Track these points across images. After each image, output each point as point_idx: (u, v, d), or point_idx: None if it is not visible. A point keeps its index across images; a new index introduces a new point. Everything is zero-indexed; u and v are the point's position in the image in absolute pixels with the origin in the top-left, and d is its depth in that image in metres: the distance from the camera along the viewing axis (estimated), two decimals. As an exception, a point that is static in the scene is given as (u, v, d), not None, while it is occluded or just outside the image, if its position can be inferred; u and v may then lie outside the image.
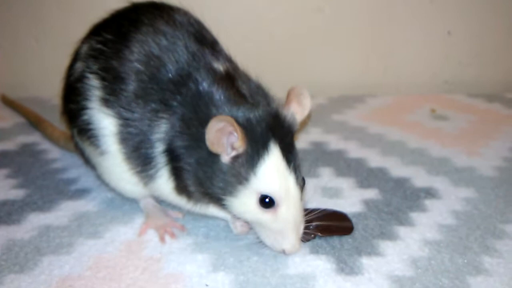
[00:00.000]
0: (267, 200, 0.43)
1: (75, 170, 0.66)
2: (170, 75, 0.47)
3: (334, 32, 1.00)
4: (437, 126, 0.84)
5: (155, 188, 0.50)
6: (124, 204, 0.58)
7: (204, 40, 0.51)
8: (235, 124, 0.41)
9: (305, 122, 0.46)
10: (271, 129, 0.44)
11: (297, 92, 0.48)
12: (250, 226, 0.50)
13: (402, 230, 0.53)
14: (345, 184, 0.63)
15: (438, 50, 1.04)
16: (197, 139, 0.44)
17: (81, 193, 0.60)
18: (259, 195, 0.43)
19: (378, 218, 0.55)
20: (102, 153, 0.51)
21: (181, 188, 0.48)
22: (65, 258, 0.48)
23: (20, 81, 0.98)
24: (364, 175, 0.66)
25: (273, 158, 0.43)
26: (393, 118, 0.88)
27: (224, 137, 0.42)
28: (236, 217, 0.50)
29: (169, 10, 0.53)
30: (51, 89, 0.94)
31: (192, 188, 0.47)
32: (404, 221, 0.54)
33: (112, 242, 0.50)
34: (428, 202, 0.59)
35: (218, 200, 0.46)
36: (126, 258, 0.48)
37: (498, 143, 0.77)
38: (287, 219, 0.44)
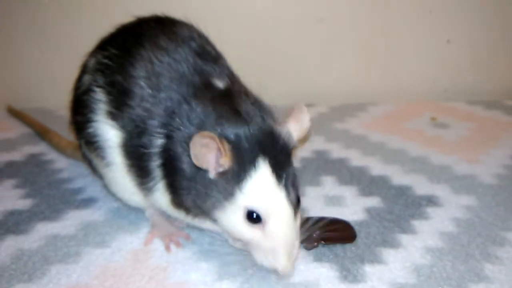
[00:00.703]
0: (254, 215, 0.43)
1: (81, 179, 0.67)
2: (169, 92, 0.48)
3: (335, 41, 1.02)
4: (437, 134, 0.85)
5: (154, 200, 0.51)
6: (130, 213, 0.59)
7: (206, 55, 0.53)
8: (217, 140, 0.41)
9: (305, 139, 0.46)
10: (261, 146, 0.43)
11: (296, 108, 0.48)
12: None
13: (404, 238, 0.53)
14: (348, 192, 0.64)
15: (438, 58, 1.05)
16: (188, 155, 0.44)
17: (88, 202, 0.61)
18: (245, 210, 0.43)
19: (381, 226, 0.56)
20: (108, 164, 0.52)
21: (177, 202, 0.48)
22: (73, 267, 0.48)
23: (25, 92, 0.99)
24: (366, 183, 0.67)
25: (261, 174, 0.43)
26: (394, 126, 0.89)
27: (209, 154, 0.42)
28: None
29: (172, 26, 0.54)
30: (56, 99, 0.95)
31: (187, 203, 0.47)
32: (406, 229, 0.55)
33: (119, 251, 0.51)
34: (429, 210, 0.59)
35: (209, 215, 0.46)
36: (133, 267, 0.49)
37: (498, 151, 0.77)
38: (277, 237, 0.43)
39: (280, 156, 0.44)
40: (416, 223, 0.56)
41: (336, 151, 0.78)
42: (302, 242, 0.48)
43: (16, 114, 0.90)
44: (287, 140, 0.45)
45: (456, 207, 0.60)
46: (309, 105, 0.99)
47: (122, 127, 0.50)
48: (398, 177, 0.69)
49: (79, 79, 0.56)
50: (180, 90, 0.48)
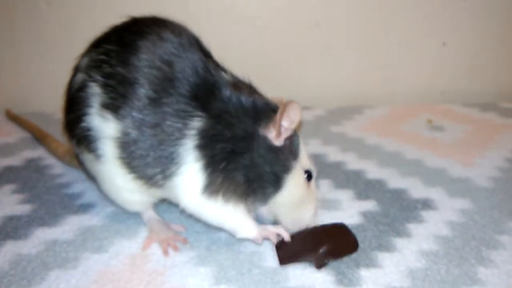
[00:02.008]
0: (307, 174, 0.53)
1: (79, 185, 0.68)
2: (190, 78, 0.50)
3: (331, 45, 1.02)
4: (433, 137, 0.86)
5: (172, 188, 0.50)
6: (128, 218, 0.59)
7: (205, 51, 0.54)
8: (300, 110, 0.49)
9: (297, 129, 0.53)
10: None
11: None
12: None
13: (399, 242, 0.54)
14: (344, 196, 0.65)
15: (434, 61, 1.06)
16: (249, 129, 0.49)
17: (86, 207, 0.62)
18: (304, 170, 0.52)
19: (376, 230, 0.56)
20: (99, 156, 0.51)
21: (214, 185, 0.49)
22: (72, 272, 0.49)
23: (23, 96, 0.99)
24: (362, 186, 0.67)
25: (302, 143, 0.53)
26: (390, 129, 0.90)
27: (286, 120, 0.49)
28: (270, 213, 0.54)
29: (171, 22, 0.55)
30: (54, 103, 0.96)
31: (234, 179, 0.49)
32: (401, 233, 0.56)
33: (117, 256, 0.52)
34: (424, 213, 0.60)
35: (272, 184, 0.50)
36: (131, 272, 0.49)
37: (493, 154, 0.78)
38: (315, 193, 0.55)
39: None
40: (411, 227, 0.57)
41: (333, 154, 0.79)
42: (310, 261, 0.50)
43: (14, 118, 0.90)
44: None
45: (451, 210, 0.61)
46: (305, 108, 1.00)
47: (125, 117, 0.49)
48: (394, 180, 0.69)
49: (72, 80, 0.56)
50: (201, 78, 0.50)
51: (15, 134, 0.86)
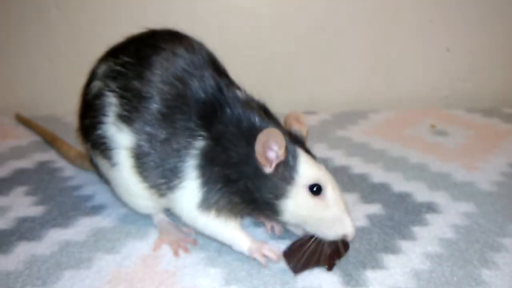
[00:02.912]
0: (315, 188, 0.49)
1: (90, 187, 0.69)
2: (199, 96, 0.51)
3: (336, 50, 1.04)
4: (437, 141, 0.87)
5: (174, 199, 0.52)
6: (138, 220, 0.60)
7: (218, 67, 0.55)
8: (279, 135, 0.47)
9: (306, 136, 0.55)
10: (292, 138, 0.52)
11: (294, 115, 0.55)
12: (277, 252, 0.51)
13: (404, 244, 0.55)
14: (350, 199, 0.66)
15: (437, 66, 1.07)
16: (243, 155, 0.49)
17: (97, 209, 0.63)
18: (307, 187, 0.49)
19: (382, 233, 0.58)
20: (114, 165, 0.54)
21: (210, 202, 0.50)
22: (85, 272, 0.50)
23: (33, 100, 1.01)
24: (368, 190, 0.69)
25: (304, 157, 0.50)
26: (395, 133, 0.91)
27: (272, 149, 0.48)
28: (283, 226, 0.55)
29: (185, 38, 0.56)
30: (63, 107, 0.98)
31: (233, 199, 0.50)
32: (406, 235, 0.57)
33: (129, 256, 0.53)
34: (429, 217, 0.61)
35: (269, 207, 0.50)
36: (143, 272, 0.50)
37: (497, 158, 0.79)
38: (337, 200, 0.50)
39: (304, 146, 0.53)
40: (416, 230, 0.58)
41: (338, 158, 0.80)
42: (320, 265, 0.50)
43: (24, 121, 0.92)
44: (300, 134, 0.54)
45: (455, 214, 0.62)
46: (311, 113, 1.01)
47: (138, 130, 0.51)
48: (399, 184, 0.70)
49: (88, 85, 0.58)
50: (210, 95, 0.51)
51: (25, 137, 0.87)
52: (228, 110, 0.51)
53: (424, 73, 1.08)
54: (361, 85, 1.07)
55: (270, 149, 0.48)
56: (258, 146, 0.47)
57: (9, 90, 1.01)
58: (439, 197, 0.66)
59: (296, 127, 0.54)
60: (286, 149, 0.49)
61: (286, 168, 0.49)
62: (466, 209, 0.63)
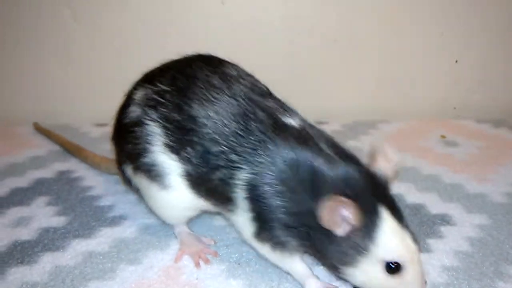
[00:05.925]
0: (393, 266, 0.42)
1: (110, 197, 0.70)
2: (239, 130, 0.48)
3: (348, 61, 1.05)
4: (447, 152, 0.88)
5: (234, 220, 0.52)
6: (159, 230, 0.62)
7: (261, 91, 0.53)
8: (351, 205, 0.41)
9: (394, 177, 0.47)
10: (374, 193, 0.43)
11: (382, 150, 0.48)
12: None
13: (421, 257, 0.56)
14: (364, 210, 0.67)
15: (447, 78, 1.09)
16: (305, 206, 0.44)
17: (118, 220, 0.64)
18: (384, 263, 0.42)
19: (398, 245, 0.58)
20: (165, 188, 0.53)
21: (263, 237, 0.48)
22: (110, 283, 0.51)
23: (51, 109, 1.02)
24: (382, 202, 0.69)
25: (387, 222, 0.42)
26: (406, 144, 0.92)
27: (337, 216, 0.41)
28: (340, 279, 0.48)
29: (220, 65, 0.55)
30: (80, 117, 1.00)
31: (282, 241, 0.47)
32: (423, 248, 0.58)
33: (151, 267, 0.54)
34: (443, 229, 0.62)
35: (332, 266, 0.45)
36: (165, 284, 0.52)
37: (507, 169, 0.80)
38: (416, 281, 0.43)
39: (389, 198, 0.45)
40: (432, 242, 0.59)
41: (351, 169, 0.81)
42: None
43: (42, 131, 0.93)
44: (385, 179, 0.46)
45: (469, 226, 0.63)
46: (322, 123, 1.02)
47: (185, 160, 0.51)
48: (412, 195, 0.71)
49: (125, 108, 0.57)
50: (252, 127, 0.48)
51: (44, 146, 0.88)
52: (272, 145, 0.46)
53: (434, 84, 1.09)
54: (373, 96, 1.08)
55: (339, 216, 0.41)
56: (323, 213, 0.41)
57: (26, 100, 1.02)
58: (452, 209, 0.67)
59: (382, 166, 0.46)
60: (362, 214, 0.41)
61: (361, 235, 0.42)
62: (479, 221, 0.64)
